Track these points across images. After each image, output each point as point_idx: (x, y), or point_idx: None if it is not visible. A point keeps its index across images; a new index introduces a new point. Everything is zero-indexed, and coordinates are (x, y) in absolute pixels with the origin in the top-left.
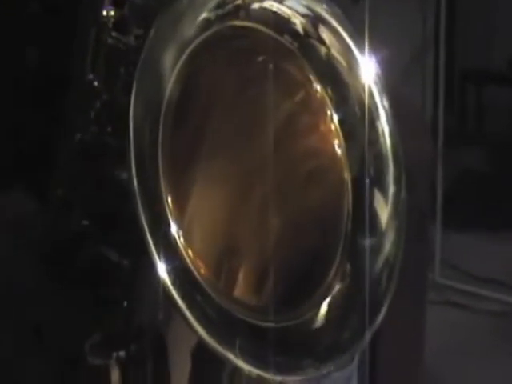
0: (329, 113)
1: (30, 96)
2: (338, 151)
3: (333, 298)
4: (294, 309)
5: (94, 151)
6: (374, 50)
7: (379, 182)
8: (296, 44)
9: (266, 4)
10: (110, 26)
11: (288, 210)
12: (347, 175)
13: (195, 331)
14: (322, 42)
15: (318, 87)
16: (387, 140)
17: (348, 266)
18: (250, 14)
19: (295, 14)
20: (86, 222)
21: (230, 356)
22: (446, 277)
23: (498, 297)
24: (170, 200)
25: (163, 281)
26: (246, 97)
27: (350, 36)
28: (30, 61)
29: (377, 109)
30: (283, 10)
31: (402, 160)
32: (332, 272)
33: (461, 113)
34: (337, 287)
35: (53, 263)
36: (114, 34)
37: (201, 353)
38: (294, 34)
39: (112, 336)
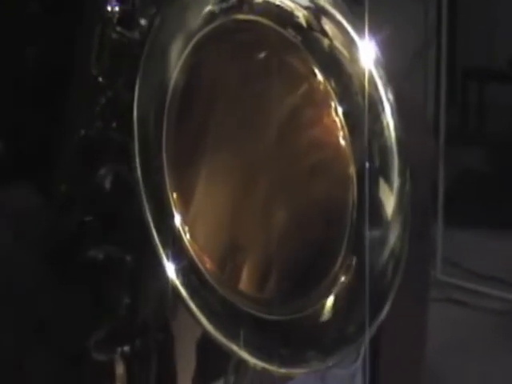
0: (333, 105)
1: (34, 92)
2: (343, 143)
3: (338, 290)
4: (299, 301)
5: (99, 147)
6: (377, 42)
7: (384, 174)
8: (299, 37)
9: None
10: (115, 21)
11: (293, 202)
12: (352, 167)
13: (200, 323)
14: (325, 34)
15: (322, 79)
16: (392, 133)
17: (353, 258)
18: (253, 8)
19: (298, 6)
20: (89, 218)
21: (235, 348)
22: (448, 274)
23: (499, 294)
24: (174, 194)
25: (168, 274)
26: (249, 90)
27: (353, 27)
28: (35, 56)
29: (382, 102)
30: (286, 3)
31: (406, 153)
32: (337, 264)
33: (462, 111)
34: (342, 279)
35: (56, 259)
36: (118, 29)
37: (206, 346)
38: (297, 27)
39: (116, 331)
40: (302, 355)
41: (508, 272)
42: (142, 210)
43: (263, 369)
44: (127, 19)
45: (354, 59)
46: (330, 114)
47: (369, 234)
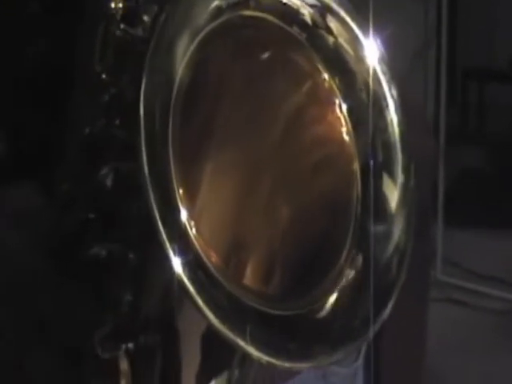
0: (337, 102)
1: (37, 90)
2: (347, 139)
3: (343, 284)
4: (305, 296)
5: (102, 144)
6: (380, 41)
7: (388, 169)
8: (304, 35)
9: None
10: (118, 18)
11: (297, 198)
12: (356, 163)
13: (206, 318)
14: (330, 31)
15: (326, 77)
16: (396, 129)
17: (358, 253)
18: (260, 4)
19: (304, 4)
20: (92, 216)
21: (241, 343)
22: (448, 274)
23: (499, 294)
24: (180, 189)
25: (175, 269)
26: (255, 86)
27: (357, 25)
28: (38, 54)
29: (385, 98)
30: (292, 0)
31: (410, 149)
32: (342, 259)
33: (462, 111)
34: (347, 274)
35: (59, 257)
36: (122, 26)
37: (210, 340)
38: (302, 24)
39: (120, 328)
40: (308, 350)
41: (508, 272)
42: (149, 205)
43: (269, 363)
44: (130, 16)
45: (359, 56)
46: (334, 111)
47: (373, 228)
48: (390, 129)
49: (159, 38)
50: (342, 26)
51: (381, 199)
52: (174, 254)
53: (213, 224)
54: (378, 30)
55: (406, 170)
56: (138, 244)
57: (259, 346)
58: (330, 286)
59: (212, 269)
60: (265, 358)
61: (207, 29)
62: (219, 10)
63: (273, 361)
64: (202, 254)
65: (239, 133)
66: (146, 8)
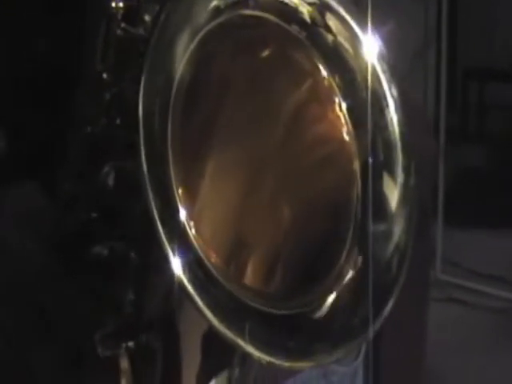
0: (337, 100)
1: (38, 89)
2: (347, 138)
3: (344, 284)
4: (305, 296)
5: (103, 143)
6: (379, 37)
7: (388, 168)
8: (304, 33)
9: None
10: (119, 17)
11: (298, 197)
12: (356, 162)
13: (206, 318)
14: (329, 29)
15: (326, 75)
16: (396, 128)
17: (358, 252)
18: (259, 3)
19: (303, 2)
20: (94, 215)
21: (241, 342)
22: (448, 273)
23: (499, 293)
24: (180, 188)
25: (174, 269)
26: (255, 85)
27: (357, 23)
28: (39, 54)
29: (385, 97)
30: None
31: (410, 148)
32: (342, 258)
33: (463, 111)
34: (348, 273)
35: (61, 257)
36: (123, 25)
37: (211, 340)
38: (301, 23)
39: (121, 327)
40: (308, 349)
41: (508, 271)
42: (148, 205)
43: (269, 363)
44: (131, 15)
45: (358, 55)
46: (334, 110)
47: (373, 228)
48: (390, 128)
49: (159, 36)
50: (341, 24)
51: (381, 199)
52: (174, 254)
53: (213, 224)
54: (377, 27)
55: (406, 170)
56: (140, 243)
57: (260, 346)
58: (330, 285)
59: (212, 269)
60: (265, 357)
61: (207, 28)
62: (219, 10)
63: (273, 360)
64: (202, 255)
65: (239, 132)
66: (147, 7)
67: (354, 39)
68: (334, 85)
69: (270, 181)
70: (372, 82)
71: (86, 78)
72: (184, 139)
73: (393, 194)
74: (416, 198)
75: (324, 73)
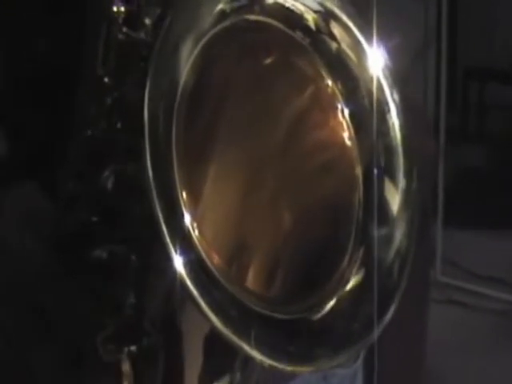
0: (339, 106)
1: (39, 92)
2: (349, 143)
3: (345, 289)
4: (307, 300)
5: (104, 147)
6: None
7: (389, 173)
8: (308, 40)
9: (280, 0)
10: (121, 21)
11: (300, 202)
12: (358, 167)
13: (209, 321)
14: (333, 37)
15: (329, 81)
16: (397, 133)
17: (360, 257)
18: (264, 9)
19: (308, 10)
20: (94, 218)
21: (244, 346)
22: (448, 275)
23: (499, 295)
24: (184, 190)
25: (178, 272)
26: (258, 90)
27: (360, 30)
28: (40, 57)
29: (387, 103)
30: (297, 6)
31: (412, 153)
32: (344, 263)
33: (463, 111)
34: (349, 278)
35: (61, 259)
36: (124, 29)
37: (212, 343)
38: (306, 29)
39: (123, 331)
40: (310, 353)
41: (508, 272)
42: (152, 207)
43: (271, 366)
44: (133, 19)
45: (361, 62)
46: (336, 116)
47: (377, 233)
48: (392, 133)
49: (164, 41)
50: (346, 32)
51: (382, 203)
52: (176, 254)
53: (216, 226)
54: (382, 37)
55: (408, 174)
56: (141, 246)
57: (261, 349)
58: (331, 290)
59: (214, 270)
60: (267, 361)
61: (211, 32)
62: (223, 14)
63: (275, 364)
64: (204, 256)
65: (242, 136)
66: (148, 11)
67: (358, 47)
68: (336, 91)
69: (272, 185)
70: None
71: (87, 81)
72: (188, 142)
73: (394, 199)
74: (417, 201)
75: (327, 79)
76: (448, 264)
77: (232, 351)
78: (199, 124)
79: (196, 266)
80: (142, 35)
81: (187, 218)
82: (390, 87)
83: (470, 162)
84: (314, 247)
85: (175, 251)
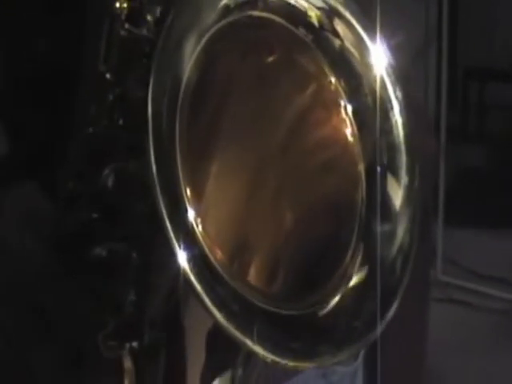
0: (342, 103)
1: (41, 90)
2: (352, 140)
3: (348, 285)
4: (310, 297)
5: (105, 144)
6: (385, 42)
7: (392, 170)
8: (310, 36)
9: None
10: (123, 18)
11: (302, 199)
12: (361, 164)
13: (212, 316)
14: (336, 34)
15: (332, 79)
16: (400, 131)
17: (363, 254)
18: (268, 5)
19: (312, 6)
20: (95, 215)
21: (247, 342)
22: (448, 274)
23: (499, 294)
24: (187, 186)
25: (182, 267)
26: (261, 87)
27: (364, 28)
28: (42, 54)
29: (390, 100)
30: (300, 2)
31: (415, 151)
32: (347, 260)
33: (463, 110)
34: (352, 275)
35: (62, 257)
36: (126, 26)
37: (214, 339)
38: (309, 26)
39: (124, 328)
40: (312, 350)
41: (508, 272)
42: (156, 203)
43: (273, 362)
44: (135, 16)
45: (364, 59)
46: (339, 113)
47: (380, 229)
48: (394, 131)
49: (167, 37)
50: (349, 30)
51: (385, 200)
52: (180, 249)
53: (219, 222)
54: (385, 35)
55: (410, 172)
56: (142, 243)
57: (264, 345)
58: (334, 287)
59: (217, 266)
60: (270, 356)
61: (214, 28)
62: (227, 10)
63: (277, 360)
64: (208, 251)
65: (245, 133)
66: (150, 8)
67: (361, 44)
68: (339, 88)
69: (275, 181)
70: (378, 87)
71: (90, 78)
72: (191, 139)
73: (397, 196)
74: (419, 199)
75: (330, 76)
76: (448, 263)
77: (234, 347)
78: (202, 120)
79: (199, 261)
80: (144, 32)
81: (191, 214)
82: (393, 85)
83: (470, 162)
84: (316, 244)
85: (179, 247)
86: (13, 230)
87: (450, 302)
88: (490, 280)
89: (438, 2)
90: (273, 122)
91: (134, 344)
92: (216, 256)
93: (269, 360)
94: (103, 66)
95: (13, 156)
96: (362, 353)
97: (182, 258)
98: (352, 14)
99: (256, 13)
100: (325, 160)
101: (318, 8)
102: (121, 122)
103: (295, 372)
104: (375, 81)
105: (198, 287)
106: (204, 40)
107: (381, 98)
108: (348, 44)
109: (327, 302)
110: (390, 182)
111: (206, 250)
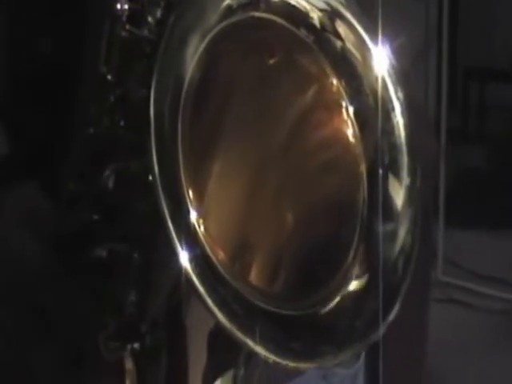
0: (344, 104)
1: (42, 91)
2: (353, 141)
3: (349, 286)
4: (311, 297)
5: (106, 145)
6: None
7: (394, 171)
8: (312, 37)
9: None
10: (124, 19)
11: (304, 199)
12: (363, 165)
13: (214, 316)
14: (338, 35)
15: (334, 80)
16: (402, 131)
17: (364, 254)
18: (270, 6)
19: (313, 8)
20: (96, 216)
21: (249, 342)
22: (449, 275)
23: (500, 295)
24: (189, 187)
25: (184, 267)
26: (263, 88)
27: (365, 29)
28: (42, 55)
29: (391, 101)
30: (302, 4)
31: (416, 151)
32: (348, 260)
33: (463, 111)
34: (354, 275)
35: (64, 257)
36: (127, 27)
37: (216, 339)
38: (310, 27)
39: (126, 329)
40: (314, 350)
41: (509, 272)
42: (158, 203)
43: (275, 362)
44: (136, 17)
45: (366, 61)
46: (340, 114)
47: (382, 229)
48: (396, 131)
49: (169, 37)
50: (350, 31)
51: (387, 200)
52: (182, 248)
53: (221, 222)
54: (386, 36)
55: (411, 172)
56: (143, 243)
57: (266, 345)
58: (336, 287)
59: (219, 266)
60: (271, 357)
61: (217, 29)
62: (230, 11)
63: (279, 360)
64: (209, 252)
65: (247, 133)
66: (151, 9)
67: (362, 46)
68: (341, 89)
69: (277, 182)
70: (379, 88)
71: (90, 79)
72: (193, 139)
73: (398, 196)
74: (420, 199)
75: (331, 77)
76: (449, 264)
77: (236, 347)
78: (204, 120)
79: (201, 261)
80: (145, 32)
81: (193, 214)
82: (395, 85)
83: (471, 163)
84: (318, 245)
85: (181, 247)
86: (13, 230)
87: (451, 303)
88: (491, 280)
89: (438, 2)
90: (274, 123)
91: (136, 345)
92: (218, 256)
93: (270, 360)
94: (104, 67)
95: (14, 156)
96: (362, 354)
97: (184, 258)
98: (353, 15)
99: (258, 14)
100: (326, 160)
101: (320, 9)
102: (122, 122)
103: (297, 371)
104: (376, 81)
105: (200, 287)
106: (206, 40)
107: (382, 98)
108: (349, 45)
109: (328, 302)
110: (392, 182)
111: (208, 250)
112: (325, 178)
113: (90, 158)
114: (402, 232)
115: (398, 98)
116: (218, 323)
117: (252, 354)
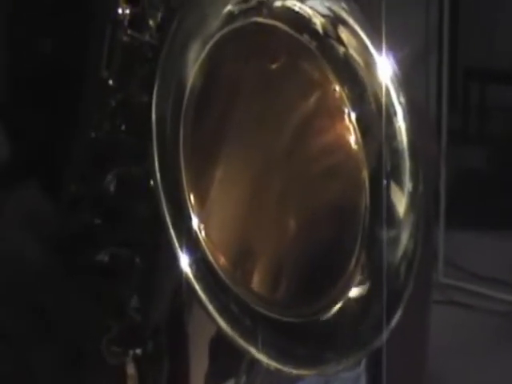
0: (346, 110)
1: (43, 94)
2: (356, 147)
3: (352, 292)
4: (313, 303)
5: (108, 149)
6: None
7: (396, 176)
8: (314, 43)
9: (288, 3)
10: (126, 23)
11: (306, 205)
12: (365, 171)
13: (216, 323)
14: (341, 41)
15: (336, 86)
16: (404, 137)
17: (367, 260)
18: (272, 12)
19: (316, 14)
20: (97, 221)
21: (251, 349)
22: (449, 276)
23: (501, 296)
24: (191, 192)
25: (185, 273)
26: (265, 94)
27: (368, 35)
28: (44, 58)
29: (393, 106)
30: (305, 9)
31: (418, 156)
32: (351, 267)
33: (464, 112)
34: (356, 281)
35: (65, 261)
36: (129, 31)
37: (217, 345)
38: (313, 33)
39: (128, 334)
40: (316, 357)
41: (510, 273)
42: (160, 209)
43: (277, 369)
44: (138, 22)
45: (369, 67)
46: (343, 120)
47: (385, 235)
48: (398, 136)
49: (171, 42)
50: (353, 37)
51: (389, 206)
52: (183, 253)
53: (222, 228)
54: (389, 42)
55: (414, 177)
56: (145, 249)
57: (268, 352)
58: (338, 293)
59: (220, 272)
60: (274, 364)
61: (219, 34)
62: (232, 16)
63: (281, 367)
64: (211, 257)
65: (249, 139)
66: (153, 14)
67: (365, 52)
68: (343, 95)
69: (279, 188)
70: (382, 94)
71: (91, 83)
72: (195, 144)
73: (400, 202)
74: (422, 204)
75: (334, 84)
76: (450, 265)
77: (238, 354)
78: (206, 126)
79: (202, 267)
80: (147, 37)
81: (194, 220)
82: (397, 90)
83: (471, 164)
84: (320, 251)
85: (182, 252)
86: (14, 231)
87: (451, 304)
88: (491, 282)
89: (438, 2)
90: (276, 129)
91: (138, 351)
92: (219, 262)
93: (273, 367)
94: (105, 72)
95: (15, 158)
96: (364, 358)
97: (185, 263)
98: (356, 21)
99: (260, 19)
100: (328, 167)
101: (323, 15)
102: (123, 127)
103: (296, 379)
104: (379, 87)
105: (201, 293)
106: (208, 46)
107: (385, 104)
108: (352, 51)
109: (331, 308)
110: (394, 188)
111: (209, 255)
112: (327, 184)
113: (92, 162)
114: (404, 237)
115: (400, 103)
116: (219, 330)
117: (254, 361)
